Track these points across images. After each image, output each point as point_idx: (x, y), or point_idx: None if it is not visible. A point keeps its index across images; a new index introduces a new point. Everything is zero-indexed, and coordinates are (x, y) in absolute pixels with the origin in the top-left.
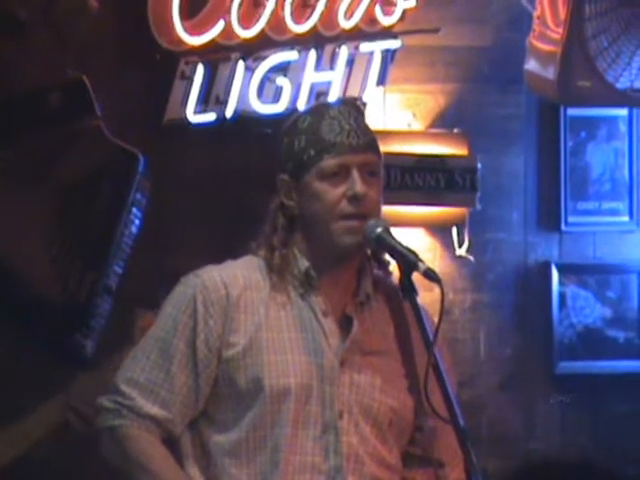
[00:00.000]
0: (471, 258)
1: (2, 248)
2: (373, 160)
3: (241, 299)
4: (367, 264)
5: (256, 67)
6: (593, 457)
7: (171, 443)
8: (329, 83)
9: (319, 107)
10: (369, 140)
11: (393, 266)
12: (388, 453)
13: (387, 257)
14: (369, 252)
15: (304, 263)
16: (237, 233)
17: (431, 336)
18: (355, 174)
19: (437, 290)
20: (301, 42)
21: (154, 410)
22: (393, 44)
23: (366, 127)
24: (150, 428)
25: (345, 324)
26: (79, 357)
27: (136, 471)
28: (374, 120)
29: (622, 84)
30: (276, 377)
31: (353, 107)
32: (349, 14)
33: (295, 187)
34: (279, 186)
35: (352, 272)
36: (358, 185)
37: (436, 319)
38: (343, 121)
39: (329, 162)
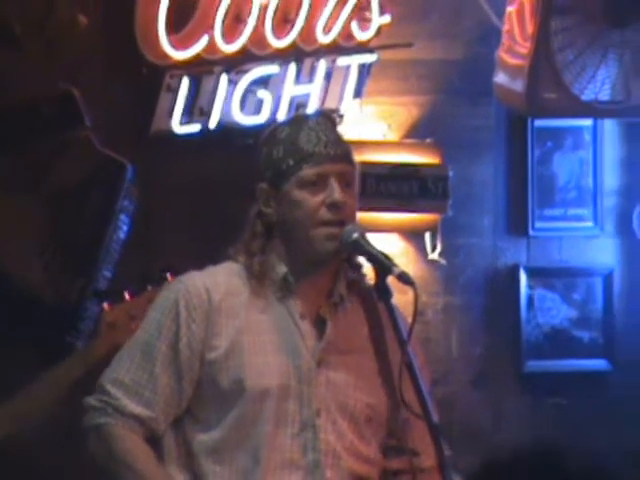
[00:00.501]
0: (443, 262)
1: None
2: (349, 170)
3: (222, 303)
4: (342, 267)
5: (238, 80)
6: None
7: (154, 442)
8: (308, 95)
9: (297, 118)
10: (345, 151)
11: (367, 268)
12: (366, 447)
13: (360, 260)
14: (343, 255)
15: (282, 269)
16: (220, 239)
17: (405, 336)
18: (333, 183)
19: (411, 293)
20: (281, 56)
21: (138, 410)
22: (369, 58)
23: (341, 138)
24: (134, 427)
25: (320, 325)
26: (69, 353)
27: (121, 469)
28: (351, 131)
29: (587, 96)
30: (257, 378)
31: (329, 119)
32: (327, 29)
33: (274, 195)
34: (258, 194)
35: (328, 276)
36: (337, 193)
37: (410, 320)
38: (320, 132)
39: (308, 172)
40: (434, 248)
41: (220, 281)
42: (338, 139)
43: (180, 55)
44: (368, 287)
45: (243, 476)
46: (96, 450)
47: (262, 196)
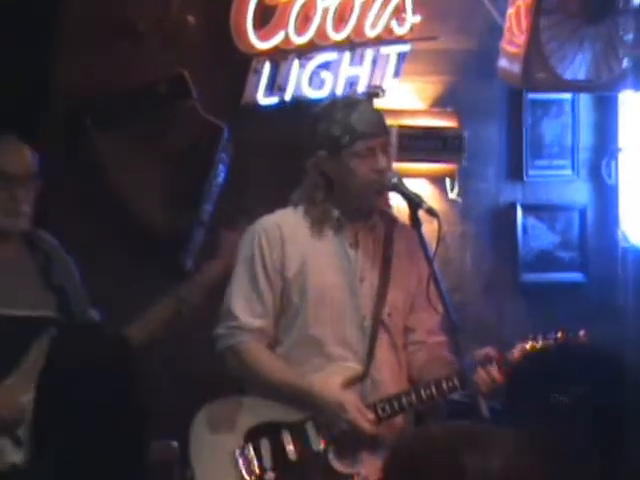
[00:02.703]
0: (459, 200)
1: (128, 196)
2: (387, 139)
3: (291, 235)
4: (377, 204)
5: (307, 64)
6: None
7: None
8: (358, 76)
9: (348, 101)
10: (384, 124)
11: (399, 205)
12: (399, 338)
13: (392, 198)
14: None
15: (335, 212)
16: (290, 186)
17: (431, 254)
18: (378, 153)
19: (435, 223)
20: (339, 46)
21: (257, 322)
22: (404, 48)
23: (381, 115)
24: (258, 338)
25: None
26: (180, 271)
27: (257, 374)
28: (391, 102)
29: (568, 76)
30: (317, 289)
31: (370, 100)
32: (373, 26)
33: (332, 160)
34: (318, 158)
35: (369, 210)
36: (381, 161)
37: (434, 243)
38: (366, 114)
39: (360, 146)
40: (453, 190)
41: (288, 220)
42: (379, 117)
43: (263, 45)
44: (394, 218)
45: (310, 364)
46: (234, 366)
47: (322, 160)
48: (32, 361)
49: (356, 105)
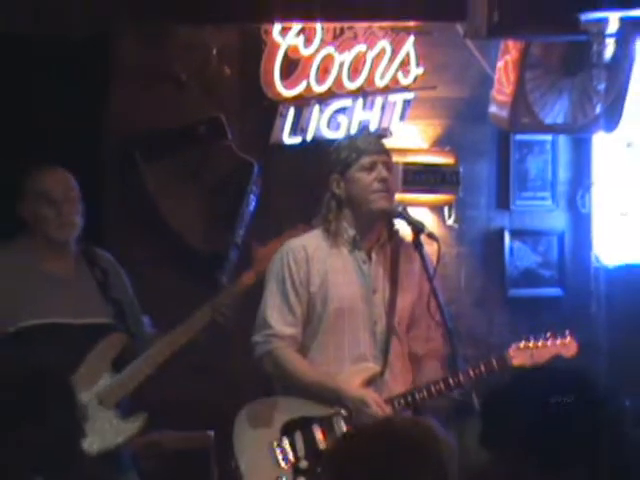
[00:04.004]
0: (456, 226)
1: (173, 221)
2: (389, 160)
3: (314, 255)
4: (385, 228)
5: (326, 109)
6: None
7: None
8: (369, 120)
9: (354, 134)
10: (385, 148)
11: (404, 229)
12: (405, 344)
13: (398, 224)
14: (392, 218)
15: (351, 231)
16: (310, 213)
17: (432, 272)
18: (380, 166)
19: (435, 245)
20: (353, 94)
21: (289, 330)
22: (409, 96)
23: (381, 140)
24: (290, 344)
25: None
26: (217, 285)
27: (291, 376)
28: (397, 141)
29: (549, 120)
30: (337, 301)
31: (376, 134)
32: (382, 77)
33: (342, 179)
34: (331, 181)
35: (378, 232)
36: (383, 172)
37: (434, 262)
38: (369, 137)
39: (365, 160)
40: (450, 217)
41: (311, 242)
42: (380, 141)
43: (288, 93)
44: (401, 240)
45: (333, 365)
46: (272, 371)
47: (334, 182)
48: (93, 363)
49: (360, 133)
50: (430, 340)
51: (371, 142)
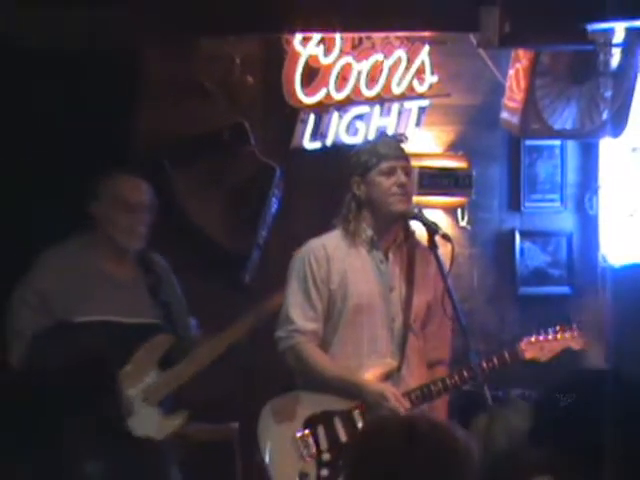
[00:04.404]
0: (469, 227)
1: (200, 223)
2: (408, 165)
3: (334, 254)
4: (402, 229)
5: (344, 116)
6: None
7: None
8: (386, 126)
9: (374, 139)
10: (405, 154)
11: (420, 231)
12: (416, 336)
13: (414, 225)
14: (408, 219)
15: (369, 232)
16: (330, 214)
17: (446, 272)
18: (399, 171)
19: (449, 246)
20: (370, 101)
21: (311, 326)
22: (424, 103)
23: (400, 145)
24: (312, 339)
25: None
26: (240, 285)
27: (312, 370)
28: (413, 146)
29: (557, 126)
30: (356, 298)
31: (395, 139)
32: (399, 85)
33: (363, 182)
34: (351, 183)
35: (395, 233)
36: (402, 177)
37: (449, 262)
38: (389, 143)
39: (385, 165)
40: (463, 219)
41: (330, 242)
42: (399, 146)
43: (309, 100)
44: (416, 241)
45: (352, 360)
46: (294, 365)
47: (355, 184)
48: (140, 361)
49: (380, 138)
50: (435, 349)
51: (391, 147)
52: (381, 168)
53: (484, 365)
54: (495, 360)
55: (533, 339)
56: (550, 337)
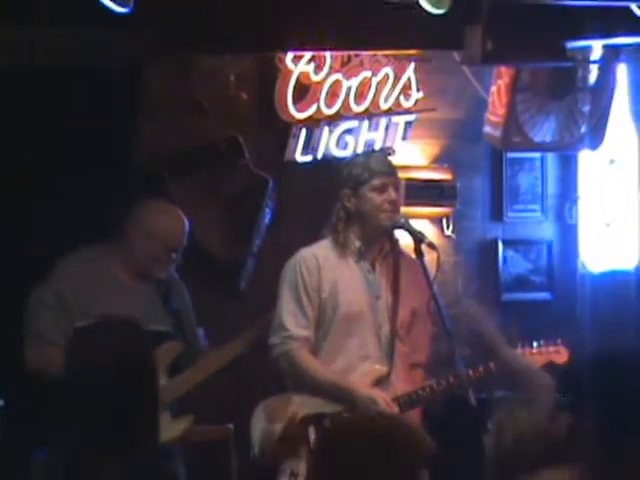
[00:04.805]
0: (453, 236)
1: (197, 232)
2: (398, 180)
3: (324, 264)
4: (387, 238)
5: (334, 130)
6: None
7: None
8: (374, 139)
9: (366, 153)
10: (395, 169)
11: (406, 240)
12: (402, 343)
13: (399, 234)
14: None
15: (357, 242)
16: (321, 224)
17: (431, 279)
18: (390, 188)
19: (435, 254)
20: (359, 116)
21: (303, 332)
22: (410, 117)
23: (391, 161)
24: (304, 345)
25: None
26: (235, 292)
27: (305, 375)
28: (400, 159)
29: (538, 139)
30: (346, 306)
31: (385, 154)
32: (386, 101)
33: (354, 195)
34: (341, 195)
35: (381, 243)
36: (393, 194)
37: (434, 270)
38: (381, 159)
39: (376, 181)
40: (448, 228)
41: (320, 252)
42: (390, 162)
43: (300, 115)
44: (401, 250)
45: (342, 366)
46: (287, 370)
47: (345, 197)
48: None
49: (372, 153)
50: (415, 352)
51: (384, 164)
52: (373, 184)
53: (471, 374)
54: (481, 369)
55: (519, 351)
56: (535, 350)
